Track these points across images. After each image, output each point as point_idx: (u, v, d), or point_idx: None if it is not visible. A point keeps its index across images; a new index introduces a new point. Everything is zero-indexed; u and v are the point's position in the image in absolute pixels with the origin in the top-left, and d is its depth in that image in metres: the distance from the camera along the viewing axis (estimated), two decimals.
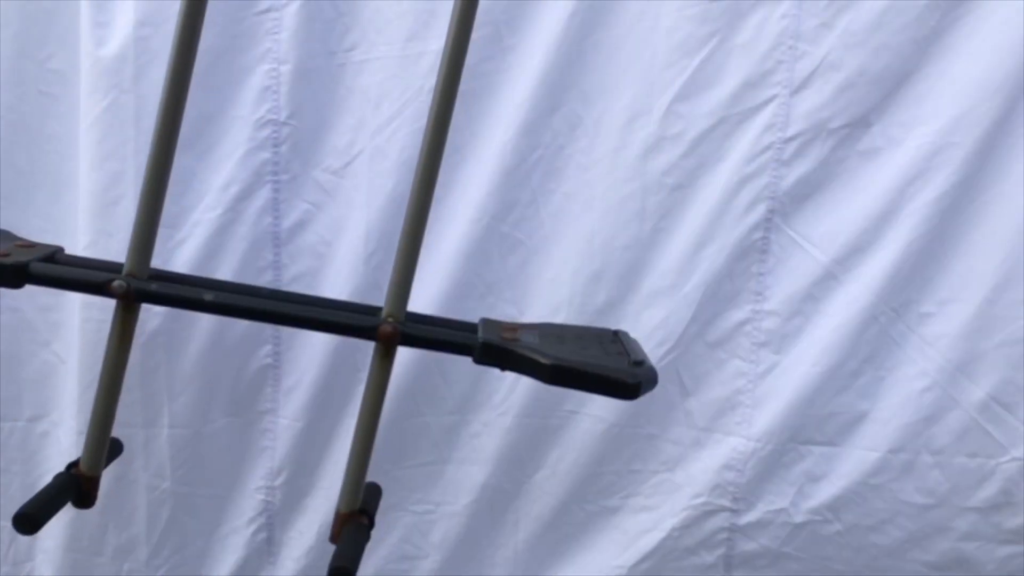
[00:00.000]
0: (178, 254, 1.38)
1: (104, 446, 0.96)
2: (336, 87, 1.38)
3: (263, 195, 1.39)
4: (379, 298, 1.39)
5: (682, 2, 1.32)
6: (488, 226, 1.39)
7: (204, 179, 1.38)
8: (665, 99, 1.35)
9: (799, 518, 1.44)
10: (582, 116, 1.37)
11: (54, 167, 1.40)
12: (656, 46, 1.34)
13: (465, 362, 1.40)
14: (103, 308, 1.38)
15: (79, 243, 1.38)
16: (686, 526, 1.45)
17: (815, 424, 1.41)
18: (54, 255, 0.93)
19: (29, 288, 1.42)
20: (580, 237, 1.39)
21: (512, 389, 1.44)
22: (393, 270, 0.94)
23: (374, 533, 1.50)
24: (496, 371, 1.41)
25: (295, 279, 1.42)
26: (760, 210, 1.37)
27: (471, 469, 1.47)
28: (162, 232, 1.35)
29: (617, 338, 1.06)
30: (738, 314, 1.40)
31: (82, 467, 0.96)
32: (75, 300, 1.40)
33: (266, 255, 1.41)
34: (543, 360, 0.91)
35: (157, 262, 1.35)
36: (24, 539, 1.53)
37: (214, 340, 1.42)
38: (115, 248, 1.36)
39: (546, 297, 1.42)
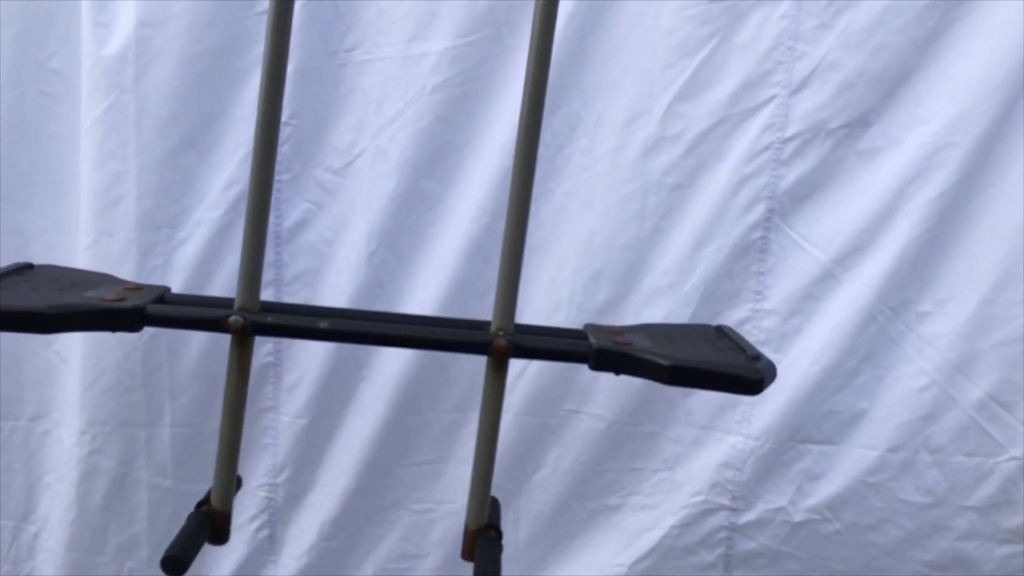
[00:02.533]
0: (180, 253, 1.38)
1: (233, 481, 0.96)
2: (337, 87, 1.38)
3: None
4: (380, 297, 1.41)
5: (682, 2, 1.33)
6: (488, 225, 1.39)
7: (206, 179, 1.38)
8: (665, 99, 1.35)
9: (798, 517, 1.44)
10: (582, 116, 1.37)
11: (55, 167, 1.41)
12: (656, 46, 1.34)
13: (465, 361, 1.42)
14: None
15: (80, 243, 1.38)
16: (686, 525, 1.45)
17: (814, 423, 1.42)
18: (163, 295, 0.93)
19: None
20: (580, 236, 1.40)
21: (512, 388, 1.44)
22: (498, 283, 0.93)
23: (373, 532, 1.51)
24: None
25: (296, 278, 1.43)
26: (759, 210, 1.37)
27: (471, 468, 1.48)
28: (163, 232, 1.37)
29: (722, 333, 1.05)
30: (738, 313, 1.40)
31: (213, 504, 0.95)
32: None
33: (267, 254, 1.41)
34: (662, 361, 0.90)
35: (157, 262, 1.38)
36: (25, 538, 1.54)
37: (215, 339, 1.42)
38: (116, 248, 1.37)
39: (546, 296, 1.42)
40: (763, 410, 1.41)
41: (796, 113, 1.34)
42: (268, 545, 1.52)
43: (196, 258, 1.39)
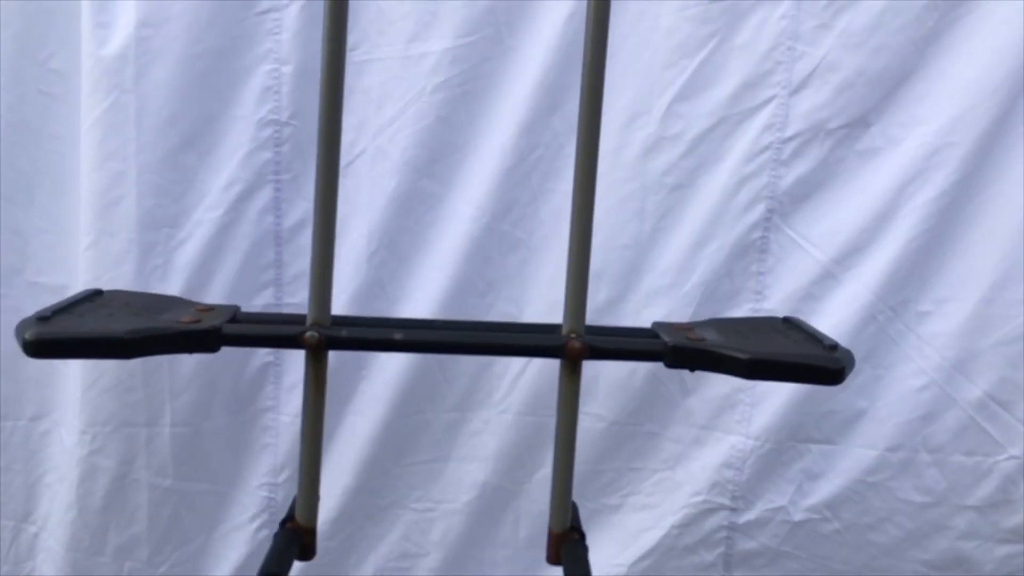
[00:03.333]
0: (180, 253, 1.38)
1: (317, 496, 0.96)
2: None
3: (265, 195, 1.40)
4: (380, 297, 1.42)
5: (682, 3, 1.33)
6: (488, 225, 1.39)
7: (206, 179, 1.38)
8: (665, 99, 1.35)
9: (798, 516, 1.44)
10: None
11: (55, 167, 1.41)
12: (656, 46, 1.35)
13: (465, 360, 1.43)
14: None
15: (80, 243, 1.38)
16: (686, 524, 1.45)
17: (813, 422, 1.42)
18: (235, 315, 0.94)
19: (30, 287, 1.44)
20: None
21: (512, 387, 1.44)
22: (567, 285, 0.94)
23: (373, 531, 1.51)
24: (496, 369, 1.44)
25: (296, 278, 1.43)
26: (759, 210, 1.37)
27: (471, 467, 1.48)
28: (164, 232, 1.37)
29: (792, 325, 1.05)
30: (738, 313, 1.40)
31: (298, 519, 0.96)
32: None
33: (268, 254, 1.42)
34: (740, 356, 0.89)
35: (158, 262, 1.38)
36: (25, 538, 1.54)
37: None
38: (116, 248, 1.37)
39: (546, 295, 1.42)
40: (763, 410, 1.41)
41: (796, 113, 1.34)
42: (268, 545, 1.52)
43: (196, 258, 1.39)
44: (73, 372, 1.44)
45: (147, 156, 1.35)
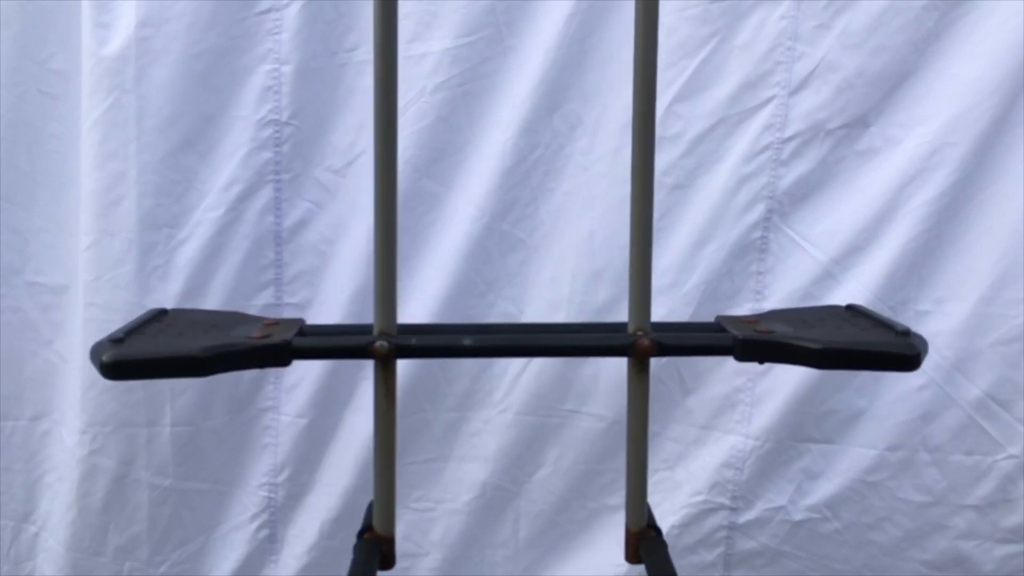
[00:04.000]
0: (180, 253, 1.39)
1: (394, 505, 0.96)
2: (338, 87, 1.39)
3: (265, 194, 1.40)
4: None
5: (682, 3, 1.33)
6: (488, 225, 1.39)
7: (206, 179, 1.38)
8: (665, 99, 1.35)
9: (798, 516, 1.44)
10: (582, 116, 1.38)
11: (55, 167, 1.41)
12: None
13: (465, 360, 1.43)
14: (105, 308, 1.38)
15: (81, 243, 1.38)
16: (686, 524, 1.45)
17: (813, 422, 1.42)
18: (301, 328, 0.94)
19: (30, 286, 1.45)
20: (580, 236, 1.40)
21: (512, 387, 1.45)
22: (630, 283, 0.93)
23: None
24: (496, 369, 1.44)
25: (296, 277, 1.43)
26: (759, 210, 1.37)
27: (471, 467, 1.48)
28: (164, 232, 1.37)
29: (857, 312, 1.03)
30: (738, 312, 1.40)
31: (377, 530, 0.96)
32: (77, 300, 1.41)
33: (268, 254, 1.42)
34: (813, 346, 0.88)
35: (158, 262, 1.38)
36: (26, 538, 1.54)
37: None
38: (116, 248, 1.37)
39: (546, 295, 1.42)
40: (763, 410, 1.41)
41: (795, 113, 1.34)
42: (268, 545, 1.52)
43: (196, 258, 1.39)
44: (73, 372, 1.44)
45: (147, 156, 1.36)
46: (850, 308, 1.05)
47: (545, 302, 1.42)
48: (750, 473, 1.43)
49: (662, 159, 1.37)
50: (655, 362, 1.39)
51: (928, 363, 1.38)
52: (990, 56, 1.29)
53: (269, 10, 1.35)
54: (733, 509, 1.45)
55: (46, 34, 1.36)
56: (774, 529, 1.45)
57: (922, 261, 1.36)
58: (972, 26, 1.29)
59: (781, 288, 1.39)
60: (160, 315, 0.99)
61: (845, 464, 1.44)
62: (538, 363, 1.43)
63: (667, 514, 1.45)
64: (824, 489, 1.44)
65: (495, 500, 1.49)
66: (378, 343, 0.88)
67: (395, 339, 0.89)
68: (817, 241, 1.37)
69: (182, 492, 1.48)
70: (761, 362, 0.94)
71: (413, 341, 0.91)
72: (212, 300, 1.41)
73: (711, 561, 1.47)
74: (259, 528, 1.51)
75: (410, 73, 1.36)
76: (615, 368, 1.42)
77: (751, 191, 1.37)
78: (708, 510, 1.45)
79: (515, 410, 1.45)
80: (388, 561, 0.96)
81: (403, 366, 1.43)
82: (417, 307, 1.41)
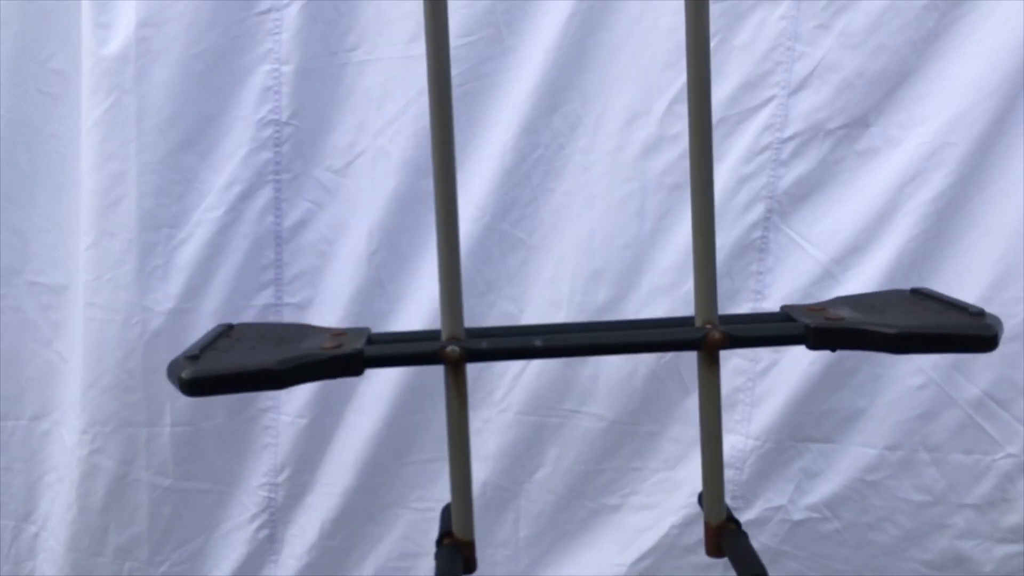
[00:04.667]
0: (180, 253, 1.39)
1: (472, 508, 0.96)
2: (337, 87, 1.39)
3: (265, 194, 1.40)
4: (380, 297, 1.42)
5: (681, 3, 1.32)
6: (488, 224, 1.39)
7: (206, 179, 1.38)
8: (664, 99, 1.35)
9: (797, 515, 1.44)
10: (582, 116, 1.38)
11: (56, 167, 1.41)
12: (655, 46, 1.35)
13: None
14: (105, 308, 1.39)
15: (81, 243, 1.39)
16: (686, 524, 1.45)
17: (813, 421, 1.42)
18: (369, 336, 0.95)
19: (30, 286, 1.45)
20: (580, 236, 1.40)
21: (512, 387, 1.45)
22: (695, 275, 0.93)
23: (374, 530, 1.51)
24: (497, 369, 1.44)
25: (296, 277, 1.43)
26: (759, 209, 1.37)
27: (471, 466, 1.48)
28: (164, 232, 1.37)
29: (923, 295, 1.01)
30: (739, 311, 1.41)
31: (457, 534, 0.95)
32: (77, 300, 1.41)
33: (268, 254, 1.42)
34: (888, 330, 0.86)
35: (158, 262, 1.38)
36: (26, 538, 1.54)
37: None
38: (117, 248, 1.37)
39: (546, 295, 1.42)
40: (763, 410, 1.41)
41: (795, 113, 1.34)
42: (268, 545, 1.52)
43: (196, 258, 1.39)
44: (73, 372, 1.44)
45: (147, 156, 1.36)
46: (915, 292, 1.03)
47: (545, 302, 1.42)
48: (750, 473, 1.43)
49: (662, 159, 1.37)
50: (656, 361, 1.41)
51: (927, 362, 1.39)
52: (990, 56, 1.29)
53: (269, 10, 1.35)
54: (733, 509, 1.44)
55: (46, 34, 1.36)
56: (774, 529, 1.45)
57: (922, 261, 1.36)
58: (972, 26, 1.29)
59: (781, 288, 1.39)
60: (227, 330, 0.99)
61: (845, 463, 1.44)
62: (538, 362, 1.43)
63: (667, 514, 1.45)
64: (824, 488, 1.44)
65: (495, 500, 1.49)
66: (449, 348, 0.89)
67: (466, 343, 0.89)
68: (817, 241, 1.37)
69: (182, 492, 1.48)
70: (833, 349, 0.92)
71: (484, 344, 0.91)
72: (212, 300, 1.41)
73: (711, 561, 1.46)
74: (259, 528, 1.51)
75: (410, 73, 1.36)
76: (615, 368, 1.42)
77: (751, 191, 1.37)
78: None
79: (515, 410, 1.45)
80: (470, 565, 0.96)
81: (402, 367, 1.43)
82: (417, 307, 1.41)
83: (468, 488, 0.94)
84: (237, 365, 0.85)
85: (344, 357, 0.88)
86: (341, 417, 1.47)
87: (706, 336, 0.90)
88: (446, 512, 0.96)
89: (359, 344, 0.90)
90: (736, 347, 0.92)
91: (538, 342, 0.91)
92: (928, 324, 0.89)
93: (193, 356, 0.86)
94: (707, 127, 0.89)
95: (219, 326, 0.98)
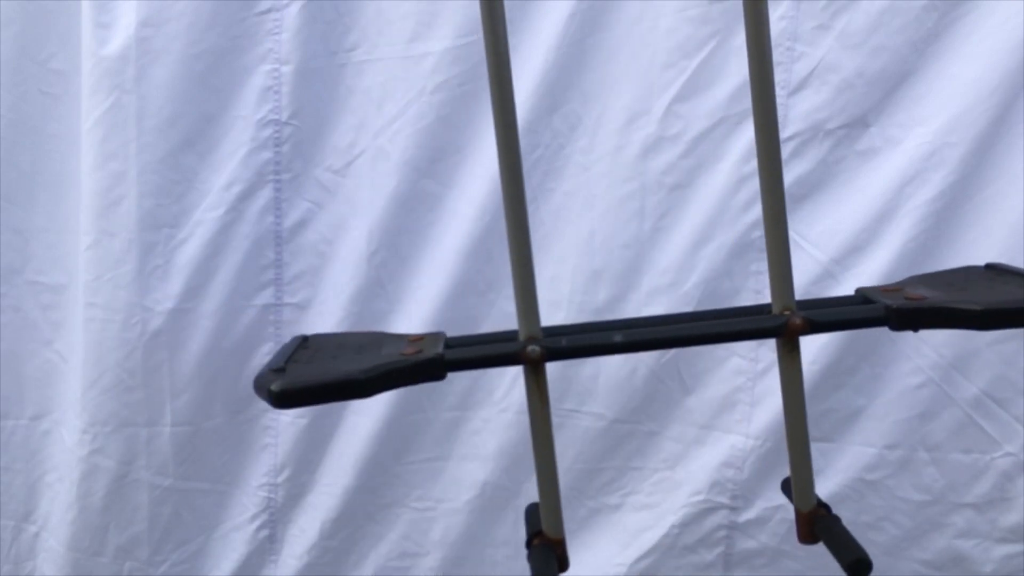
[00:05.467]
0: (180, 253, 1.39)
1: (560, 506, 0.96)
2: (337, 87, 1.39)
3: (265, 194, 1.40)
4: (381, 297, 1.42)
5: (681, 3, 1.33)
6: (488, 225, 1.39)
7: (206, 179, 1.39)
8: (664, 99, 1.35)
9: None
10: (582, 116, 1.38)
11: (56, 167, 1.41)
12: (655, 47, 1.35)
13: None
14: (105, 307, 1.39)
15: (81, 243, 1.39)
16: (686, 524, 1.45)
17: (812, 421, 1.41)
18: (447, 340, 0.95)
19: (30, 286, 1.45)
20: (580, 236, 1.40)
21: (512, 386, 1.45)
22: (770, 264, 0.92)
23: (374, 530, 1.52)
24: (496, 368, 1.44)
25: (296, 277, 1.43)
26: (759, 209, 1.37)
27: (472, 466, 1.48)
28: (164, 232, 1.37)
29: (999, 270, 1.01)
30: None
31: (548, 533, 0.96)
32: (78, 299, 1.41)
33: (268, 254, 1.42)
34: (973, 307, 0.85)
35: (158, 262, 1.38)
36: (26, 538, 1.54)
37: (216, 338, 1.43)
38: (117, 248, 1.37)
39: (546, 295, 1.41)
40: (763, 409, 1.41)
41: (795, 113, 1.34)
42: (268, 545, 1.52)
43: (197, 258, 1.39)
44: (73, 371, 1.44)
45: (147, 156, 1.36)
46: (989, 267, 1.03)
47: (545, 302, 1.39)
48: (750, 472, 1.43)
49: (662, 159, 1.37)
50: (656, 359, 1.41)
51: (926, 362, 1.39)
52: (990, 56, 1.28)
53: (269, 10, 1.35)
54: (733, 508, 1.45)
55: (46, 34, 1.37)
56: (774, 528, 1.45)
57: (921, 261, 1.36)
58: (972, 26, 1.29)
59: None
60: (303, 342, 1.00)
61: (844, 463, 1.44)
62: None
63: (667, 513, 1.46)
64: (823, 487, 1.44)
65: (495, 499, 1.49)
66: (529, 348, 0.89)
67: (546, 342, 0.89)
68: (817, 241, 1.37)
69: (182, 492, 1.48)
70: (916, 330, 0.91)
71: (563, 343, 0.91)
72: (212, 300, 1.41)
73: (711, 561, 1.47)
74: (259, 528, 1.51)
75: (410, 73, 1.37)
76: (615, 367, 1.42)
77: (751, 190, 1.36)
78: (708, 509, 1.45)
79: (515, 409, 1.45)
80: (563, 563, 0.95)
81: None
82: (417, 307, 1.41)
83: (555, 486, 0.94)
84: (324, 375, 0.86)
85: (427, 362, 0.88)
86: (341, 417, 1.47)
87: (787, 323, 0.89)
88: (531, 513, 0.96)
89: (439, 348, 0.90)
90: (816, 332, 0.91)
91: (617, 337, 0.90)
92: (1012, 300, 0.88)
93: (279, 369, 0.86)
94: (772, 121, 0.88)
95: (296, 338, 0.99)
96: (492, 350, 0.94)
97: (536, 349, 0.89)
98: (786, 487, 0.99)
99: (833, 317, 0.93)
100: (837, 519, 0.94)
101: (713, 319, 0.99)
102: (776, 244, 0.91)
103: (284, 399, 0.84)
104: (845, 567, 0.88)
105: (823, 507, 0.96)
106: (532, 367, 0.90)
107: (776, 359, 1.37)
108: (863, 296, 0.96)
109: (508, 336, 0.94)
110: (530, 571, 0.91)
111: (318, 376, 0.86)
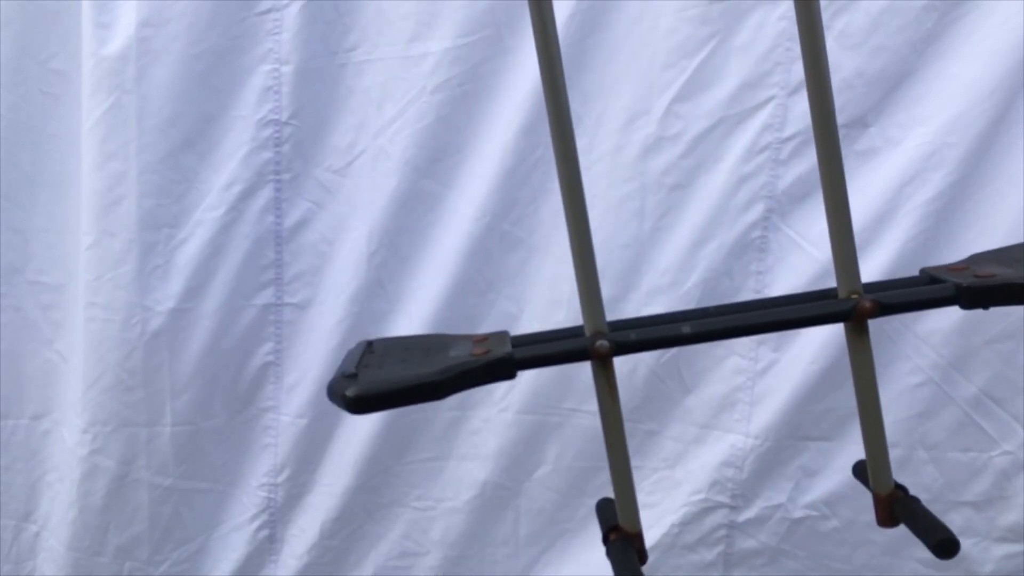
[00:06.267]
0: (181, 253, 1.39)
1: (635, 499, 0.96)
2: (337, 87, 1.39)
3: (265, 194, 1.40)
4: (381, 297, 1.42)
5: (681, 3, 1.33)
6: (489, 224, 1.40)
7: (206, 179, 1.39)
8: (664, 99, 1.35)
9: (797, 513, 1.45)
10: (582, 116, 1.38)
11: (56, 167, 1.41)
12: (655, 47, 1.35)
13: None
14: (105, 307, 1.39)
15: (82, 243, 1.39)
16: (685, 523, 1.45)
17: (811, 420, 1.42)
18: (512, 339, 0.95)
19: (31, 286, 1.45)
20: None
21: (512, 385, 1.45)
22: (834, 248, 0.92)
23: (374, 530, 1.52)
24: None
25: (297, 277, 1.43)
26: (758, 209, 1.37)
27: (472, 465, 1.48)
28: (165, 232, 1.37)
29: None
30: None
31: (625, 527, 0.95)
32: (78, 299, 1.41)
33: (268, 253, 1.42)
34: None
35: (158, 261, 1.38)
36: (27, 538, 1.54)
37: (216, 338, 1.43)
38: (117, 248, 1.38)
39: (546, 294, 1.43)
40: (763, 409, 1.42)
41: (794, 113, 1.34)
42: (268, 545, 1.52)
43: (197, 258, 1.40)
44: (74, 371, 1.44)
45: (148, 156, 1.36)
46: None
47: (545, 301, 1.42)
48: (750, 472, 1.43)
49: (662, 159, 1.37)
50: (655, 358, 1.41)
51: (926, 361, 1.39)
52: (989, 57, 1.28)
53: (269, 10, 1.35)
54: (733, 508, 1.45)
55: (47, 34, 1.37)
56: (773, 527, 1.45)
57: (921, 261, 1.36)
58: (972, 26, 1.29)
59: (781, 287, 1.39)
60: (368, 346, 1.00)
61: (843, 461, 1.44)
62: None
63: (667, 513, 1.46)
64: (822, 486, 1.45)
65: (495, 499, 1.49)
66: (599, 343, 0.88)
67: (615, 337, 0.89)
68: (816, 240, 1.37)
69: (182, 492, 1.48)
70: (987, 307, 0.89)
71: (632, 336, 0.90)
72: (212, 300, 1.41)
73: (711, 560, 1.47)
74: (259, 528, 1.51)
75: (410, 73, 1.37)
76: (615, 366, 1.42)
77: (750, 191, 1.37)
78: (708, 509, 1.45)
79: (515, 409, 1.45)
80: (642, 555, 0.96)
81: None
82: (418, 307, 1.42)
83: (630, 480, 0.93)
84: (399, 379, 0.85)
85: (498, 361, 0.88)
86: (341, 417, 1.47)
87: (855, 307, 0.88)
88: (604, 508, 0.96)
89: (507, 348, 0.90)
90: (886, 314, 0.89)
91: (686, 329, 0.90)
92: None
93: (351, 375, 0.86)
94: (828, 102, 0.87)
95: (361, 343, 0.99)
96: (561, 347, 0.94)
97: (605, 344, 0.89)
98: (858, 472, 0.98)
99: (902, 299, 0.91)
100: (916, 500, 0.93)
101: (778, 306, 0.99)
102: (840, 229, 0.91)
103: (361, 404, 0.84)
104: (932, 547, 0.88)
105: (900, 489, 0.96)
106: (601, 362, 0.90)
107: (776, 359, 1.41)
108: (929, 276, 0.94)
109: (573, 332, 0.94)
110: (611, 566, 0.91)
111: (395, 380, 0.86)
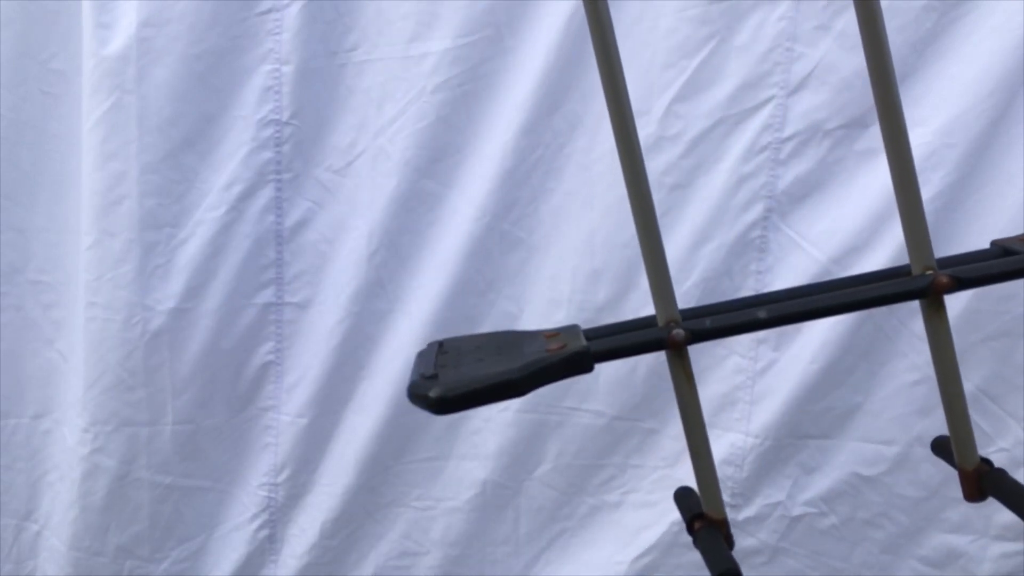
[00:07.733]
0: (181, 253, 1.39)
1: (719, 486, 0.95)
2: (338, 87, 1.39)
3: (266, 194, 1.40)
4: (381, 297, 1.42)
5: (681, 3, 1.33)
6: (489, 224, 1.40)
7: (207, 178, 1.39)
8: (664, 99, 1.36)
9: (795, 511, 1.45)
10: (582, 116, 1.38)
11: (57, 167, 1.41)
12: (655, 47, 1.35)
13: None
14: (106, 307, 1.39)
15: (82, 243, 1.39)
16: None
17: (811, 419, 1.43)
18: (585, 332, 0.95)
19: (31, 285, 1.45)
20: (580, 235, 1.40)
21: None
22: (905, 226, 0.91)
23: (374, 530, 1.52)
24: None
25: (297, 277, 1.44)
26: (758, 209, 1.38)
27: (472, 465, 1.49)
28: (165, 231, 1.37)
29: None
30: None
31: (710, 513, 0.95)
32: (79, 299, 1.41)
33: (268, 253, 1.42)
34: None
35: (159, 261, 1.38)
36: (27, 537, 1.54)
37: (216, 338, 1.43)
38: (117, 248, 1.38)
39: (546, 294, 1.43)
40: (763, 408, 1.42)
41: (794, 114, 1.35)
42: (268, 544, 1.52)
43: (197, 257, 1.40)
44: (74, 371, 1.44)
45: (148, 156, 1.36)
46: None
47: (545, 301, 1.43)
48: (750, 471, 1.44)
49: (662, 159, 1.37)
50: (656, 358, 1.41)
51: (923, 359, 1.39)
52: (989, 57, 1.29)
53: (269, 10, 1.35)
54: (733, 506, 1.45)
55: (47, 34, 1.36)
56: (773, 525, 1.46)
57: None
58: (971, 26, 1.29)
59: (780, 287, 1.39)
60: (440, 347, 1.00)
61: (841, 459, 1.44)
62: None
63: (667, 511, 1.46)
64: (821, 484, 1.45)
65: (495, 498, 1.49)
66: (675, 332, 0.88)
67: (689, 325, 0.89)
68: (816, 240, 1.38)
69: (183, 491, 1.48)
70: None
71: (708, 324, 0.90)
72: (213, 299, 1.41)
73: None
74: (259, 528, 1.51)
75: (410, 73, 1.37)
76: (616, 365, 1.42)
77: (750, 190, 1.37)
78: None
79: (515, 408, 1.45)
80: (730, 541, 0.95)
81: (401, 365, 1.43)
82: (418, 307, 1.42)
83: (712, 467, 0.93)
84: (480, 378, 0.85)
85: (575, 355, 0.87)
86: (341, 417, 1.47)
87: (932, 282, 0.86)
88: (683, 497, 0.96)
89: (582, 341, 0.90)
90: (963, 288, 0.87)
91: (762, 314, 0.89)
92: None
93: (431, 376, 0.86)
94: (894, 95, 0.87)
95: (432, 344, 0.99)
96: (636, 337, 0.93)
97: (681, 332, 0.88)
98: (938, 449, 0.98)
99: (979, 272, 0.88)
100: (1004, 472, 0.93)
101: (851, 286, 0.98)
102: (911, 206, 0.90)
103: (445, 405, 0.84)
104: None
105: (986, 462, 0.96)
106: (677, 351, 0.90)
107: (776, 359, 1.42)
108: (1002, 248, 0.92)
109: (646, 323, 0.94)
110: (702, 555, 0.91)
111: (476, 379, 0.86)
